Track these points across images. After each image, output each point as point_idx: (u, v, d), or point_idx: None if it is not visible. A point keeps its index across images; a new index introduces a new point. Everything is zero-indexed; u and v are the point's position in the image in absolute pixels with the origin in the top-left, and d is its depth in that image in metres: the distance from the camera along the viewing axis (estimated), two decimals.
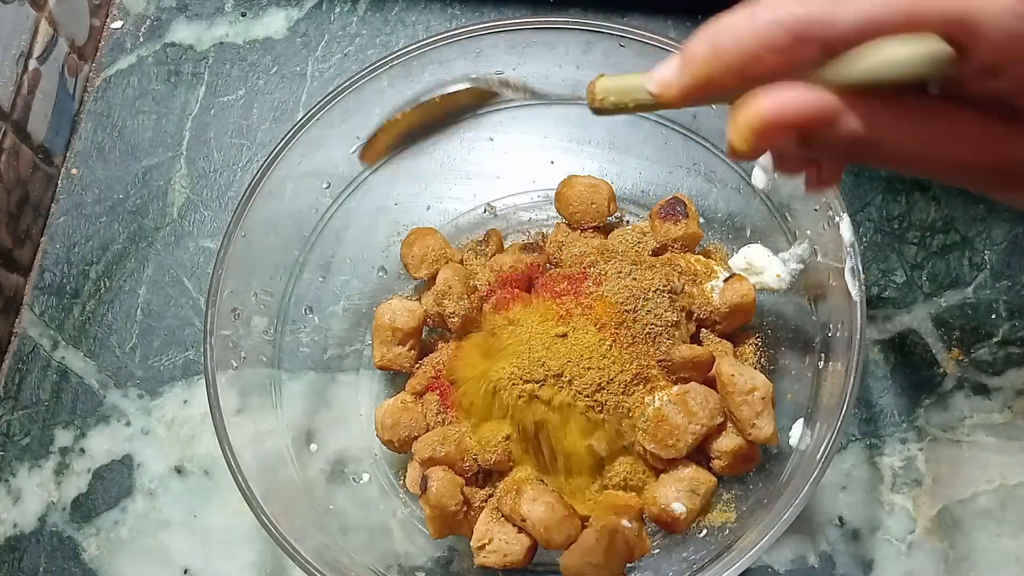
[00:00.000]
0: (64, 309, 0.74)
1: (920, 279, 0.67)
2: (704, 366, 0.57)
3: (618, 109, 0.37)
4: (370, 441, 0.63)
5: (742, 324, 0.61)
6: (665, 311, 0.57)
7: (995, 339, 0.65)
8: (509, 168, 0.69)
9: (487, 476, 0.59)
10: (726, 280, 0.59)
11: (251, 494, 0.53)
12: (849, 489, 0.62)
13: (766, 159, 0.56)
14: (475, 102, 0.50)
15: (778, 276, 0.59)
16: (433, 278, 0.63)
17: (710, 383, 0.57)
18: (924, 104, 0.31)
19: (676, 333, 0.57)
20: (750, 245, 0.61)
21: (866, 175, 0.70)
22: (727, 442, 0.56)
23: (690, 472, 0.56)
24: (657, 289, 0.58)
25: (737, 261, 0.61)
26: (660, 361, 0.57)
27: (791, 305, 0.61)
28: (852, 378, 0.51)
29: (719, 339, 0.60)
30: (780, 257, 0.60)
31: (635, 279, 0.58)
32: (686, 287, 0.59)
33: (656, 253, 0.62)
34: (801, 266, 0.59)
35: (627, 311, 0.57)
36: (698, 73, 0.32)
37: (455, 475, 0.57)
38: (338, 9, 0.80)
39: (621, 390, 0.56)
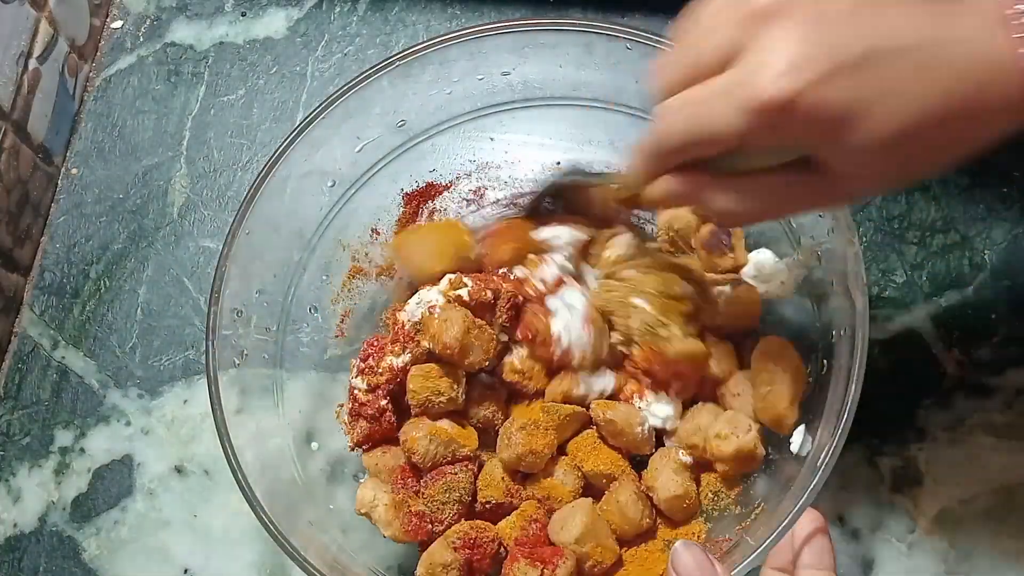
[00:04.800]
0: (64, 309, 0.73)
1: (920, 279, 0.67)
2: (698, 363, 0.57)
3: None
4: None
5: (745, 329, 0.61)
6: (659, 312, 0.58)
7: (995, 339, 0.65)
8: (510, 168, 0.69)
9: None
10: (734, 288, 0.59)
11: (251, 494, 0.53)
12: (849, 489, 0.62)
13: None
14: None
15: (782, 283, 0.60)
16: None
17: (708, 391, 0.57)
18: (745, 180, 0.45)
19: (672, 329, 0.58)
20: (760, 250, 0.61)
21: None
22: (726, 446, 0.56)
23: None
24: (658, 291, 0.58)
25: (747, 269, 0.61)
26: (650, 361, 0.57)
27: (793, 308, 0.61)
28: (854, 385, 0.51)
29: (720, 340, 0.60)
30: (786, 263, 0.60)
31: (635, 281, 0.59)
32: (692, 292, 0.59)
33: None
34: (804, 271, 0.59)
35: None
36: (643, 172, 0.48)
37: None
38: (338, 9, 0.80)
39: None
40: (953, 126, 0.40)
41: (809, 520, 0.50)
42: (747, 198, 0.45)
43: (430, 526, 0.56)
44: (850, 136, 0.39)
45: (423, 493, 0.57)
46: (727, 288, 0.59)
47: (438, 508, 0.56)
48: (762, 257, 0.60)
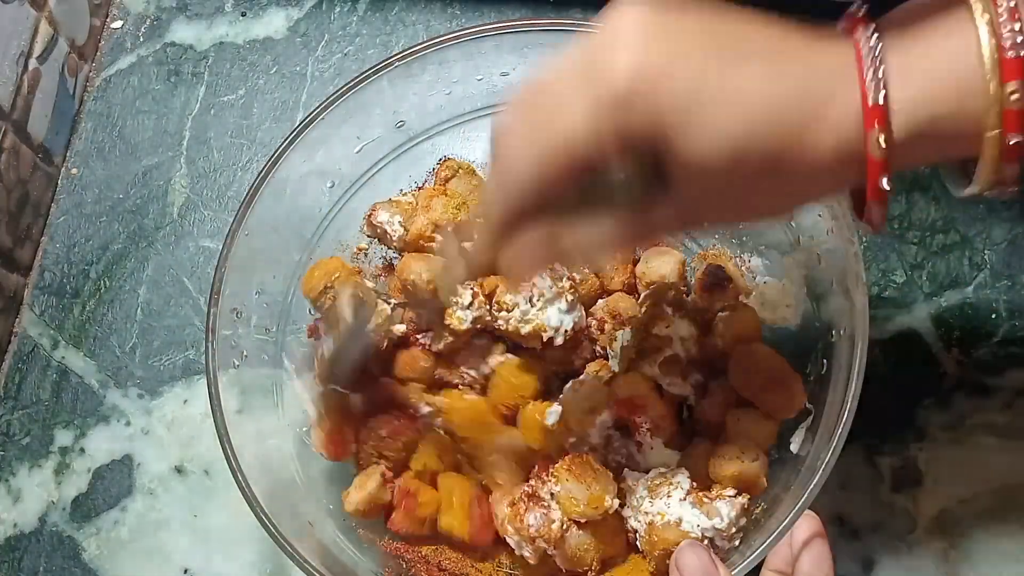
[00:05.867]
0: (64, 309, 0.74)
1: (920, 279, 0.67)
2: (645, 403, 0.57)
3: None
4: None
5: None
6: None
7: (995, 339, 0.65)
8: None
9: None
10: (732, 310, 0.59)
11: (251, 494, 0.53)
12: (849, 489, 0.62)
13: None
14: None
15: (787, 307, 0.59)
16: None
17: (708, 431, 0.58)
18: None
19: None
20: (766, 281, 0.61)
21: None
22: (729, 468, 0.55)
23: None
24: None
25: (753, 299, 0.61)
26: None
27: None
28: (854, 385, 0.51)
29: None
30: (791, 291, 0.59)
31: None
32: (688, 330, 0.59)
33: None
34: (804, 289, 0.59)
35: None
36: None
37: None
38: (338, 9, 0.80)
39: None
40: (788, 149, 0.38)
41: (807, 525, 0.50)
42: (603, 226, 0.41)
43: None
44: (697, 130, 0.37)
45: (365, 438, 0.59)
46: (725, 314, 0.59)
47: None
48: (767, 288, 0.60)
